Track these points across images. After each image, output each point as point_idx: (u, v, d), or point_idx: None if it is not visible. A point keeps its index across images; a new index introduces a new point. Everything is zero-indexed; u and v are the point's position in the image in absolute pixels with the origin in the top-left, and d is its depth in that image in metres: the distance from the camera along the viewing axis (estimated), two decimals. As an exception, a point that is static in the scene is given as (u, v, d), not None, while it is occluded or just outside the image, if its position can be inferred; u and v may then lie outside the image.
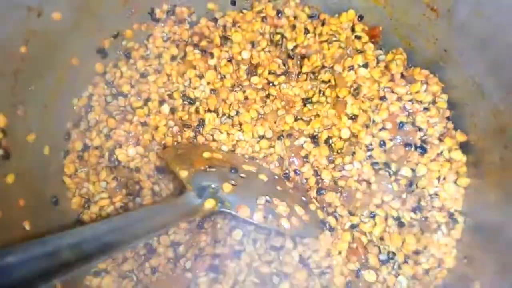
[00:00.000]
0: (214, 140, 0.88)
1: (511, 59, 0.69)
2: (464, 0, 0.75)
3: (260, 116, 0.91)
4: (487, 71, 0.73)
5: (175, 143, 0.85)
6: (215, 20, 0.98)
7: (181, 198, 0.69)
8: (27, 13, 0.66)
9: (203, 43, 0.95)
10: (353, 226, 0.78)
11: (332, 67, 0.90)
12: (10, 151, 0.64)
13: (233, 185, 0.70)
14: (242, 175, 0.74)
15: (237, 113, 0.91)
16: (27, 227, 0.64)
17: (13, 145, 0.65)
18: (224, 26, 0.97)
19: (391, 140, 0.83)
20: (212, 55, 0.94)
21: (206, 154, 0.76)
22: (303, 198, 0.77)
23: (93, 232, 0.56)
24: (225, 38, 0.96)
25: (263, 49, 0.95)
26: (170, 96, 0.93)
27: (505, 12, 0.67)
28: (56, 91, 0.79)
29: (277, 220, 0.68)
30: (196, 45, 0.95)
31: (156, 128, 0.91)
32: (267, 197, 0.70)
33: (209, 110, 0.91)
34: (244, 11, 0.98)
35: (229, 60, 0.95)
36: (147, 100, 0.92)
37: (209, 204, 0.68)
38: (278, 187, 0.75)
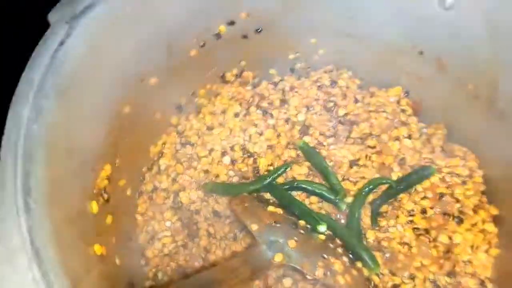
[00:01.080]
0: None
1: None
2: (505, 92, 0.85)
3: (310, 173, 1.02)
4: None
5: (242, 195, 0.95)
6: (275, 83, 1.11)
7: (254, 251, 0.78)
8: (135, 80, 0.79)
9: (264, 104, 1.08)
10: (395, 286, 0.86)
11: (379, 136, 1.01)
12: (110, 196, 0.75)
13: (296, 241, 0.79)
14: (301, 231, 0.83)
15: (291, 168, 1.01)
16: (118, 262, 0.75)
17: (112, 190, 0.77)
18: (283, 90, 1.10)
19: (431, 208, 0.92)
20: (271, 115, 1.06)
21: (271, 208, 0.86)
22: (350, 256, 0.86)
23: None
24: (283, 101, 1.08)
25: (316, 113, 1.07)
26: (232, 148, 1.04)
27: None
28: (140, 141, 0.91)
29: (334, 276, 0.77)
30: (258, 106, 1.07)
31: (217, 176, 1.02)
32: (324, 255, 0.80)
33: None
34: (302, 78, 1.10)
35: (286, 121, 1.07)
36: (211, 151, 1.04)
37: (279, 258, 0.77)
38: (331, 245, 0.84)
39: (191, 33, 0.87)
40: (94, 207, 0.68)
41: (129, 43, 0.73)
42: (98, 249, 0.67)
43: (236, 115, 1.07)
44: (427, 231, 0.91)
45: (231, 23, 0.94)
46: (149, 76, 0.84)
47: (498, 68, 0.85)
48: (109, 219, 0.75)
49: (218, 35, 0.94)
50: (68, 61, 0.64)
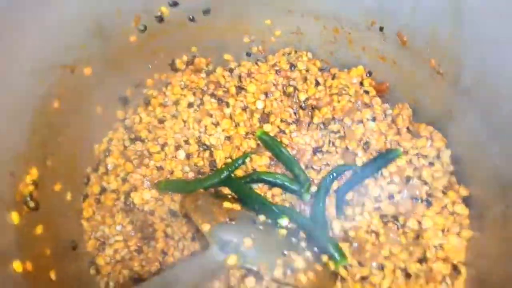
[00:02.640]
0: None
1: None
2: (470, 68, 0.80)
3: (272, 163, 0.95)
4: (491, 135, 0.78)
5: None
6: (230, 70, 1.04)
7: (206, 255, 0.71)
8: (62, 71, 0.70)
9: (219, 92, 1.00)
10: (363, 278, 0.81)
11: (342, 120, 0.95)
12: (39, 203, 0.66)
13: (253, 239, 0.73)
14: (260, 227, 0.77)
15: (251, 159, 0.94)
16: (53, 276, 0.66)
17: (42, 195, 0.68)
18: (239, 76, 1.03)
19: (399, 193, 0.87)
20: (227, 104, 0.99)
21: (227, 204, 0.79)
22: (315, 249, 0.80)
23: None
24: (240, 88, 1.01)
25: (275, 99, 1.00)
26: (186, 142, 0.97)
27: (507, 84, 0.72)
28: (80, 139, 0.82)
29: (295, 275, 0.71)
30: (213, 95, 1.00)
31: (172, 172, 0.95)
32: (285, 251, 0.73)
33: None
34: (259, 63, 1.03)
35: (244, 109, 1.00)
36: (163, 145, 0.96)
37: (232, 260, 0.70)
38: (293, 239, 0.78)
39: (127, 14, 0.78)
40: (15, 217, 0.60)
41: (38, 27, 0.63)
42: (18, 266, 0.58)
43: (190, 105, 0.99)
44: (395, 217, 0.85)
45: (174, 4, 0.85)
46: (81, 65, 0.75)
47: (462, 43, 0.80)
48: (39, 229, 0.67)
49: (160, 18, 0.86)
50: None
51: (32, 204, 0.64)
